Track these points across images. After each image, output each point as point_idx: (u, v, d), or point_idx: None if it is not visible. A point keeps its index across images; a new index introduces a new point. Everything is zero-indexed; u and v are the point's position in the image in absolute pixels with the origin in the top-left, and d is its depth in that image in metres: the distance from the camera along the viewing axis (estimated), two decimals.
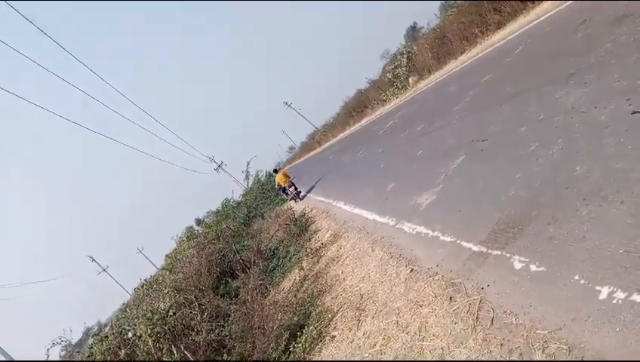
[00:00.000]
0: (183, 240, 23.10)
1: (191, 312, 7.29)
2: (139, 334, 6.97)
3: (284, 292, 7.61)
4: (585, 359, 2.09)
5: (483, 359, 2.64)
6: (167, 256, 28.67)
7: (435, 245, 4.60)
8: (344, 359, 4.24)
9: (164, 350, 6.43)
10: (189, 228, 35.06)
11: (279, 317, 5.79)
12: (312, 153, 56.24)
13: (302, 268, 7.93)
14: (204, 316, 7.10)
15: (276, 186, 20.85)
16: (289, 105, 69.80)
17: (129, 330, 8.06)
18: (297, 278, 7.67)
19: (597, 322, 2.18)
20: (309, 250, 8.60)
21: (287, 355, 5.19)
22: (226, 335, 6.51)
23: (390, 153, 11.30)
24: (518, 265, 3.11)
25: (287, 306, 6.20)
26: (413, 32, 50.42)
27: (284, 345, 5.30)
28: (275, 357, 5.23)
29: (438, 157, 6.90)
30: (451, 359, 2.90)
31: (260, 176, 32.59)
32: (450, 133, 7.70)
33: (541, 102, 5.21)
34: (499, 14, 12.94)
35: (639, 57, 4.16)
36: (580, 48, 5.62)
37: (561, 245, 2.88)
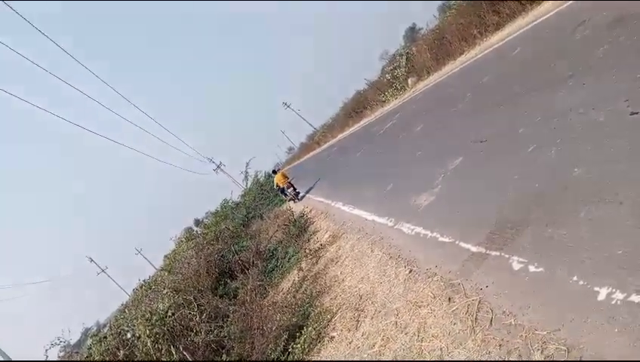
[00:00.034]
0: (181, 241, 23.08)
1: (190, 313, 7.29)
2: (138, 335, 6.96)
3: (283, 293, 7.60)
4: (583, 359, 2.09)
5: (482, 359, 2.65)
6: (165, 256, 28.64)
7: (433, 246, 4.60)
8: (343, 359, 4.24)
9: (162, 350, 6.42)
10: (188, 229, 35.05)
11: (278, 318, 5.79)
12: (311, 154, 56.19)
13: (301, 269, 7.93)
14: (203, 317, 7.10)
15: (275, 187, 20.86)
16: (288, 106, 69.85)
17: (128, 331, 8.05)
18: (296, 279, 7.67)
19: (595, 323, 2.19)
20: (308, 251, 8.59)
21: (286, 356, 5.19)
22: (225, 336, 6.51)
23: (389, 154, 11.30)
24: (516, 266, 3.12)
25: (286, 307, 6.20)
26: (412, 33, 50.40)
27: (283, 346, 5.29)
28: (273, 358, 5.23)
29: (437, 158, 6.91)
30: (450, 359, 2.90)
31: (259, 177, 32.60)
32: (449, 134, 7.71)
33: (539, 103, 5.22)
34: (497, 16, 12.95)
35: (637, 59, 4.17)
36: (578, 50, 5.64)
37: (559, 246, 2.89)
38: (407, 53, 22.76)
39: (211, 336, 6.51)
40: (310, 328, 5.24)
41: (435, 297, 3.70)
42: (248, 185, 30.47)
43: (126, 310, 13.20)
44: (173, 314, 7.08)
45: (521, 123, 5.19)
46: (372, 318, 4.36)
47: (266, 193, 26.50)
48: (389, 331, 3.88)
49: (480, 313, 3.03)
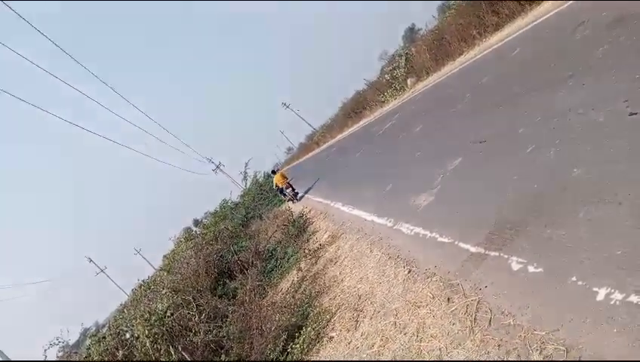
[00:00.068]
0: (180, 241, 23.07)
1: (189, 313, 7.28)
2: (136, 335, 6.95)
3: (282, 293, 7.60)
4: (582, 359, 2.09)
5: (481, 359, 2.65)
6: (164, 256, 28.62)
7: (433, 246, 4.60)
8: (342, 360, 4.24)
9: (161, 351, 6.41)
10: (187, 229, 35.03)
11: (277, 318, 5.79)
12: (310, 154, 56.20)
13: (300, 269, 7.92)
14: (202, 317, 7.09)
15: (274, 187, 20.88)
16: (287, 107, 69.83)
17: (127, 331, 8.04)
18: (295, 279, 7.67)
19: (594, 323, 2.19)
20: (307, 251, 8.59)
21: (285, 356, 5.19)
22: (224, 336, 6.50)
23: (388, 154, 11.31)
24: (515, 266, 3.12)
25: (285, 307, 6.20)
26: (411, 33, 50.44)
27: (282, 346, 5.29)
28: (272, 358, 5.22)
29: (436, 159, 6.91)
30: (449, 359, 2.90)
31: (258, 177, 32.60)
32: (448, 134, 7.71)
33: (539, 103, 5.22)
34: (497, 16, 12.95)
35: (637, 59, 4.17)
36: (577, 50, 5.64)
37: (558, 246, 2.89)
38: (407, 53, 22.77)
39: (210, 336, 6.51)
40: (309, 328, 5.25)
41: (434, 297, 3.70)
42: (247, 186, 30.46)
43: (125, 310, 13.19)
44: (172, 314, 7.07)
45: (520, 123, 5.19)
46: (371, 318, 4.36)
47: (265, 193, 26.51)
48: (388, 331, 3.88)
49: (479, 313, 3.03)
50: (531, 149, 4.39)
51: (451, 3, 19.93)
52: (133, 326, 7.41)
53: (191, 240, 19.14)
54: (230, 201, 29.15)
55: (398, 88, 22.53)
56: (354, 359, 4.05)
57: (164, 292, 8.94)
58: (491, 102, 6.91)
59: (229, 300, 8.55)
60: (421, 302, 3.80)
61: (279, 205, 20.81)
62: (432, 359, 3.04)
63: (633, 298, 2.12)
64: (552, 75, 5.58)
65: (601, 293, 2.30)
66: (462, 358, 2.80)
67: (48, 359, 9.54)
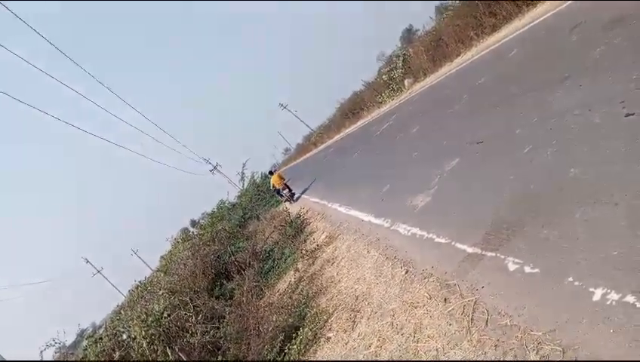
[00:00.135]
0: (177, 242, 23.01)
1: (186, 314, 7.27)
2: (133, 336, 6.94)
3: (280, 294, 7.59)
4: (579, 359, 2.09)
5: (478, 360, 2.65)
6: (162, 257, 28.55)
7: (430, 247, 4.61)
8: (340, 360, 4.24)
9: (158, 352, 6.41)
10: (184, 230, 34.95)
11: (274, 319, 5.78)
12: (308, 154, 56.20)
13: (297, 270, 7.92)
14: (199, 318, 7.07)
15: (271, 188, 20.89)
16: (285, 107, 69.77)
17: (123, 332, 8.03)
18: (292, 280, 7.66)
19: (591, 323, 2.19)
20: (304, 252, 8.59)
21: (282, 357, 5.18)
22: (221, 337, 6.49)
23: (385, 155, 11.31)
24: (512, 267, 3.12)
25: (282, 308, 6.20)
26: (408, 34, 50.45)
27: (279, 347, 5.29)
28: (270, 359, 5.22)
29: (434, 159, 6.92)
30: (446, 360, 2.90)
31: (255, 178, 32.55)
32: (445, 135, 7.71)
33: (536, 104, 5.23)
34: (494, 17, 12.98)
35: (633, 60, 4.18)
36: (574, 51, 5.66)
37: (555, 247, 2.90)
38: (404, 54, 22.81)
39: (207, 337, 6.50)
40: (306, 329, 5.24)
41: (431, 298, 3.70)
42: (245, 186, 30.39)
43: (122, 311, 13.16)
44: (169, 315, 7.06)
45: (517, 124, 5.20)
46: (368, 319, 4.37)
47: (263, 194, 26.49)
48: (385, 332, 3.88)
49: (476, 313, 3.03)
50: (528, 150, 4.40)
51: (449, 3, 19.97)
52: (130, 327, 7.40)
53: (188, 240, 19.12)
54: (227, 202, 29.10)
55: (395, 89, 22.57)
56: (351, 359, 4.05)
57: (161, 293, 8.92)
58: (488, 103, 6.92)
59: (226, 301, 8.54)
60: (418, 303, 3.80)
61: (277, 206, 20.80)
62: (429, 359, 3.04)
63: (629, 298, 2.12)
64: (548, 76, 5.59)
65: (598, 294, 2.30)
66: (459, 359, 2.80)
67: (45, 359, 9.52)
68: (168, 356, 6.26)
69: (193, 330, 6.70)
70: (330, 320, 5.14)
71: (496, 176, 4.61)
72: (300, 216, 12.83)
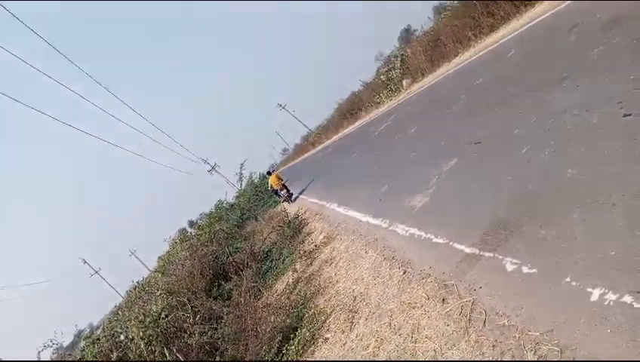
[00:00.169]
0: (175, 243, 22.97)
1: (183, 315, 7.25)
2: (131, 337, 6.92)
3: (277, 295, 7.58)
4: (576, 359, 2.09)
5: (475, 360, 2.65)
6: (159, 258, 28.50)
7: (428, 247, 4.61)
8: (337, 360, 4.23)
9: (156, 352, 6.39)
10: (182, 231, 34.91)
11: (272, 320, 5.77)
12: (306, 155, 56.23)
13: (295, 270, 7.91)
14: (197, 318, 7.06)
15: (269, 188, 20.90)
16: (283, 107, 69.74)
17: (121, 333, 8.00)
18: (290, 280, 7.65)
19: (588, 323, 2.19)
20: (302, 252, 8.58)
21: (280, 357, 5.17)
22: (219, 338, 6.48)
23: (383, 155, 11.31)
24: (510, 267, 3.12)
25: (280, 308, 6.19)
26: (407, 34, 50.55)
27: (277, 348, 5.28)
28: (267, 360, 5.21)
29: (432, 160, 6.92)
30: (444, 360, 2.90)
31: (253, 178, 32.53)
32: (443, 135, 7.72)
33: (534, 105, 5.24)
34: (492, 18, 13.00)
35: (631, 60, 4.19)
36: (572, 51, 5.66)
37: (553, 247, 2.90)
38: (402, 54, 22.83)
39: (205, 338, 6.48)
40: (304, 329, 5.24)
41: (428, 298, 3.70)
42: (243, 187, 30.37)
43: (119, 312, 13.12)
44: (166, 315, 7.04)
45: (515, 124, 5.20)
46: (366, 319, 4.36)
47: (261, 194, 26.48)
48: (383, 332, 3.88)
49: (473, 314, 3.03)
50: (526, 150, 4.40)
51: (447, 4, 19.99)
52: (127, 327, 7.38)
53: (186, 241, 19.08)
54: (225, 202, 29.06)
55: (393, 89, 22.60)
56: (349, 360, 4.04)
57: (158, 293, 8.89)
58: (486, 104, 6.93)
59: (224, 301, 8.52)
60: (416, 303, 3.80)
61: (274, 206, 20.79)
62: (427, 360, 3.04)
63: (627, 298, 2.12)
64: (546, 77, 5.60)
65: (595, 294, 2.30)
66: (457, 359, 2.80)
67: (42, 360, 9.49)
68: (166, 357, 6.24)
69: (191, 331, 6.68)
70: (328, 321, 5.13)
71: (494, 177, 4.61)
72: (298, 216, 12.82)
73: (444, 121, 8.58)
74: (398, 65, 22.35)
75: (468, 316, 3.05)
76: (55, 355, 10.43)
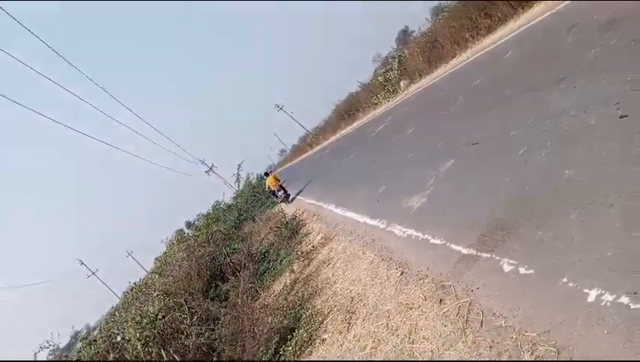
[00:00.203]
0: (172, 244, 22.96)
1: (180, 316, 7.24)
2: (128, 338, 6.90)
3: (275, 296, 7.57)
4: (573, 359, 2.09)
5: (473, 361, 2.65)
6: (156, 259, 28.46)
7: (425, 248, 4.60)
8: (335, 360, 4.23)
9: (153, 353, 6.37)
10: (179, 231, 34.87)
11: (269, 321, 5.77)
12: (304, 156, 56.23)
13: (292, 271, 7.91)
14: (194, 319, 7.05)
15: (267, 189, 20.91)
16: (281, 108, 69.71)
17: (118, 334, 7.99)
18: (288, 281, 7.65)
19: (585, 324, 2.19)
20: (299, 253, 8.58)
21: (277, 358, 5.17)
22: (216, 339, 6.47)
23: (381, 156, 11.32)
24: (507, 268, 3.12)
25: (277, 309, 6.18)
26: (404, 35, 50.54)
27: (274, 349, 5.27)
28: (265, 361, 5.20)
29: (429, 161, 6.93)
30: (441, 361, 2.89)
31: (250, 179, 32.51)
32: (440, 136, 7.73)
33: (531, 106, 5.24)
34: (489, 19, 13.02)
35: (628, 62, 4.20)
36: (569, 53, 5.68)
37: (550, 248, 2.90)
38: (400, 55, 22.88)
39: (202, 339, 6.47)
40: (301, 330, 5.23)
41: (426, 299, 3.70)
42: (240, 188, 30.34)
43: (116, 313, 13.10)
44: (163, 316, 7.03)
45: (512, 125, 5.21)
46: (363, 320, 4.35)
47: (258, 195, 26.47)
48: (380, 333, 3.87)
49: (471, 315, 3.02)
50: (523, 151, 4.40)
51: (445, 4, 20.04)
52: (124, 328, 7.36)
53: (183, 242, 19.06)
54: (223, 203, 29.04)
55: (391, 90, 22.62)
56: (347, 360, 4.04)
57: (155, 294, 8.88)
58: (484, 105, 6.94)
59: (221, 302, 8.51)
60: (413, 304, 3.80)
61: (272, 207, 20.80)
62: (424, 360, 3.03)
63: (623, 299, 2.12)
64: (544, 78, 5.61)
65: (592, 295, 2.30)
66: (454, 360, 2.79)
67: (39, 360, 9.48)
68: (163, 358, 6.23)
69: (188, 332, 6.67)
70: (325, 322, 5.13)
71: (492, 178, 4.61)
72: (296, 217, 12.82)
73: (441, 122, 8.60)
74: (396, 66, 22.39)
75: (465, 317, 3.04)
76: (52, 356, 10.41)
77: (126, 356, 6.86)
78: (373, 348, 3.79)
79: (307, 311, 5.78)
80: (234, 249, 12.84)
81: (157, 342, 6.49)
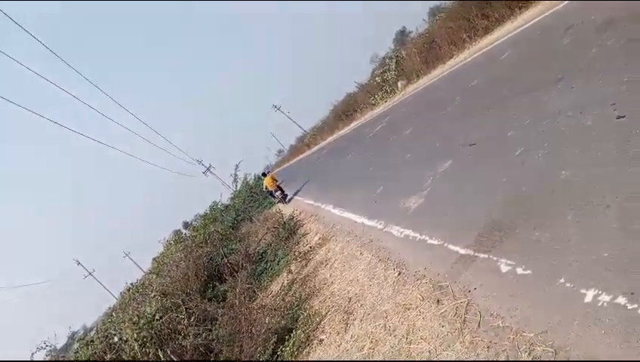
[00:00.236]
0: (170, 244, 22.92)
1: (178, 316, 7.22)
2: (125, 338, 6.89)
3: (272, 296, 7.57)
4: (570, 359, 2.10)
5: (470, 361, 2.65)
6: (154, 259, 28.41)
7: (422, 248, 4.61)
8: (333, 360, 4.23)
9: (150, 354, 6.36)
10: (177, 232, 34.81)
11: (267, 321, 5.76)
12: (301, 156, 56.18)
13: (290, 272, 7.90)
14: (192, 320, 7.03)
15: (264, 190, 20.90)
16: (278, 108, 69.72)
17: (115, 335, 7.96)
18: (285, 282, 7.63)
19: (582, 324, 2.19)
20: (297, 254, 8.58)
21: (274, 359, 5.16)
22: (213, 339, 6.46)
23: (379, 156, 11.33)
24: (504, 268, 3.13)
25: (275, 310, 6.18)
26: (402, 36, 50.62)
27: (272, 349, 5.26)
28: (262, 361, 5.20)
29: (426, 161, 6.93)
30: (439, 361, 2.90)
31: (248, 180, 32.47)
32: (438, 137, 7.73)
33: (528, 106, 5.25)
34: (487, 20, 13.05)
35: (625, 62, 4.21)
36: (566, 53, 5.69)
37: (547, 248, 2.90)
38: (397, 56, 22.90)
39: (199, 340, 6.46)
40: (299, 331, 5.23)
41: (423, 299, 3.70)
42: (238, 188, 30.31)
43: (113, 313, 13.07)
44: (161, 317, 7.01)
45: (509, 126, 5.22)
46: (361, 321, 4.36)
47: (256, 195, 26.45)
48: (377, 333, 3.87)
49: (468, 315, 3.03)
50: (520, 152, 4.41)
51: (442, 5, 20.07)
52: (121, 329, 7.35)
53: (180, 242, 19.03)
54: (220, 203, 29.00)
55: (388, 91, 22.64)
56: (345, 360, 4.04)
57: (152, 295, 8.86)
58: (481, 105, 6.95)
59: (219, 303, 8.50)
60: (411, 304, 3.80)
61: (270, 207, 20.78)
62: (422, 360, 3.04)
63: (620, 300, 2.13)
64: (541, 78, 5.62)
65: (589, 295, 2.31)
66: (451, 360, 2.80)
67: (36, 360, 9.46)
68: (160, 358, 6.22)
69: (185, 332, 6.66)
70: (323, 322, 5.13)
71: (489, 178, 4.62)
72: (293, 217, 12.81)
73: (438, 123, 8.61)
74: (393, 66, 22.41)
75: (463, 317, 3.05)
76: (49, 357, 10.38)
77: (123, 356, 6.85)
78: (370, 348, 3.79)
79: (305, 311, 5.77)
80: (231, 249, 12.82)
81: (154, 343, 6.48)
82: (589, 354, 2.05)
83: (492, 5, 12.60)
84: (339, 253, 6.91)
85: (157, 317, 6.99)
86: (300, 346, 5.03)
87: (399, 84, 21.14)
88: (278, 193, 19.25)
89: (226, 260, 11.20)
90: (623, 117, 3.40)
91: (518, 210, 3.61)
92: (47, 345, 9.42)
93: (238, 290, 7.63)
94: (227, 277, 10.17)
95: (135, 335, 6.54)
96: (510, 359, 2.39)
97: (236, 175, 25.23)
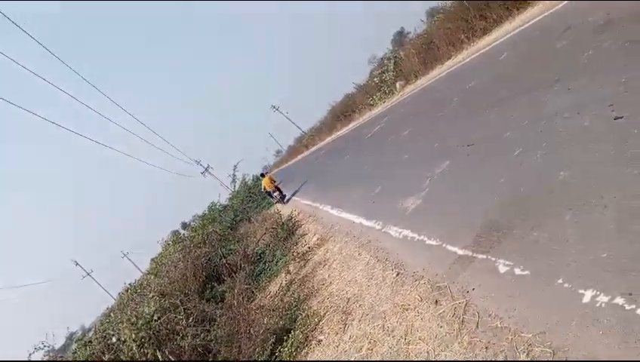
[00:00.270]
0: (168, 244, 22.89)
1: (176, 317, 7.21)
2: (123, 339, 6.87)
3: (271, 297, 7.56)
4: (569, 360, 2.10)
5: (468, 361, 2.65)
6: (152, 260, 28.38)
7: (421, 249, 4.61)
8: (331, 360, 4.23)
9: (148, 355, 6.35)
10: (175, 232, 34.75)
11: (265, 322, 5.75)
12: (299, 156, 56.20)
13: (288, 272, 7.89)
14: (190, 320, 7.02)
15: (263, 190, 20.91)
16: (277, 109, 69.71)
17: (113, 335, 7.94)
18: (284, 282, 7.63)
19: (580, 325, 2.20)
20: (295, 254, 8.57)
21: (273, 359, 5.16)
22: (212, 340, 6.45)
23: (377, 157, 11.33)
24: (502, 269, 3.13)
25: (273, 310, 6.17)
26: (400, 37, 50.63)
27: (270, 350, 5.26)
28: (260, 361, 5.20)
29: (424, 162, 6.94)
30: (436, 361, 2.90)
31: (246, 180, 32.47)
32: (436, 137, 7.74)
33: (526, 107, 5.26)
34: (484, 20, 13.08)
35: (623, 63, 4.22)
36: (564, 54, 5.70)
37: (545, 249, 2.91)
38: (395, 57, 22.92)
39: (198, 340, 6.45)
40: (297, 331, 5.22)
41: (422, 300, 3.70)
42: (236, 188, 30.31)
43: (111, 314, 13.05)
44: (159, 318, 7.00)
45: (507, 127, 5.23)
46: (359, 321, 4.35)
47: (254, 196, 26.44)
48: (376, 334, 3.87)
49: (466, 316, 3.03)
50: (518, 152, 4.42)
51: (441, 4, 20.08)
52: (119, 330, 7.33)
53: (179, 243, 19.01)
54: (219, 204, 28.99)
55: (387, 91, 22.67)
56: (343, 360, 4.04)
57: (151, 295, 8.85)
58: (479, 106, 6.96)
59: (217, 304, 8.49)
60: (409, 305, 3.80)
61: (268, 208, 20.77)
62: (420, 361, 3.04)
63: (618, 300, 2.13)
64: (539, 79, 5.63)
65: (587, 296, 2.31)
66: (450, 360, 2.80)
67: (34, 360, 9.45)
68: (158, 359, 6.20)
69: (184, 333, 6.64)
70: (321, 323, 5.13)
71: (487, 179, 4.62)
72: (292, 218, 12.81)
73: (436, 124, 8.61)
74: (392, 67, 22.44)
75: (461, 318, 3.05)
76: (47, 358, 10.36)
77: (121, 357, 6.83)
78: (369, 349, 3.79)
79: (303, 312, 5.77)
80: (230, 250, 12.80)
81: (152, 343, 6.47)
82: (587, 354, 2.05)
83: (490, 6, 12.62)
84: (337, 254, 6.91)
85: (155, 317, 6.97)
86: (298, 347, 5.03)
87: (397, 84, 21.17)
88: (276, 193, 19.28)
89: (224, 261, 11.19)
90: (621, 117, 3.41)
91: (516, 210, 3.62)
92: (45, 346, 9.40)
93: (236, 291, 7.63)
94: (225, 278, 10.17)
95: (133, 335, 6.53)
96: (508, 359, 2.40)
97: (235, 175, 25.24)
